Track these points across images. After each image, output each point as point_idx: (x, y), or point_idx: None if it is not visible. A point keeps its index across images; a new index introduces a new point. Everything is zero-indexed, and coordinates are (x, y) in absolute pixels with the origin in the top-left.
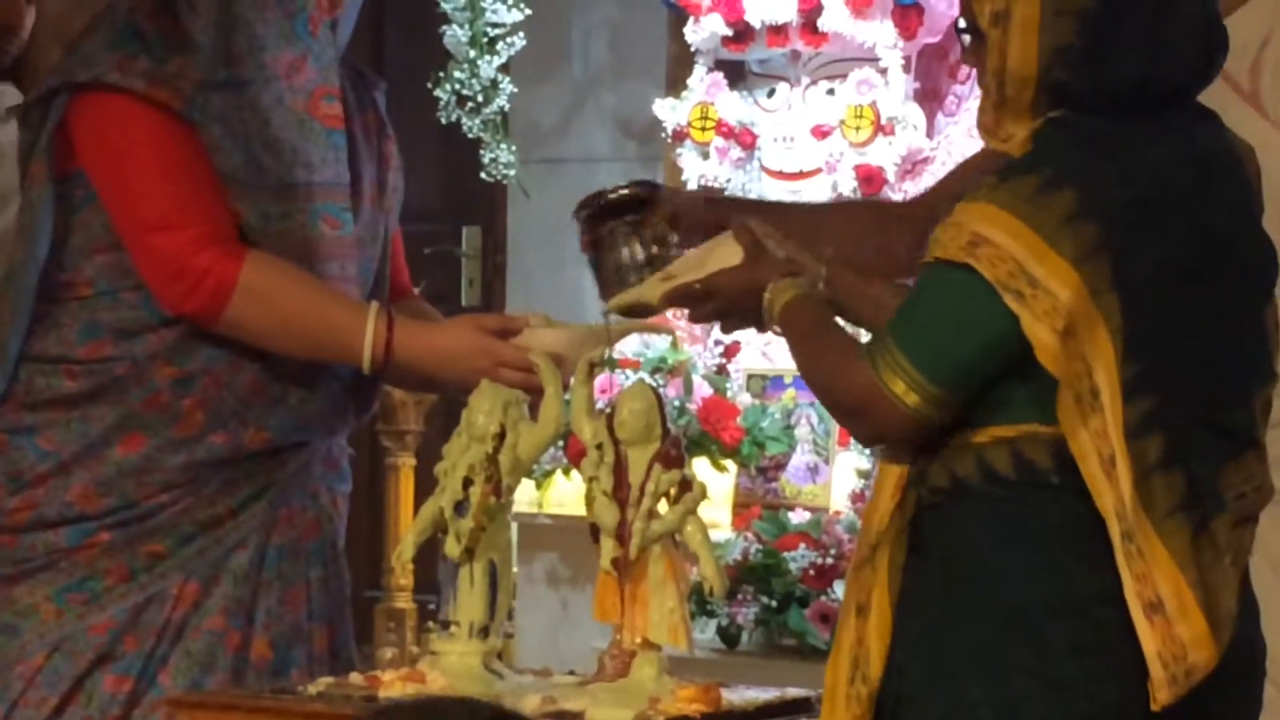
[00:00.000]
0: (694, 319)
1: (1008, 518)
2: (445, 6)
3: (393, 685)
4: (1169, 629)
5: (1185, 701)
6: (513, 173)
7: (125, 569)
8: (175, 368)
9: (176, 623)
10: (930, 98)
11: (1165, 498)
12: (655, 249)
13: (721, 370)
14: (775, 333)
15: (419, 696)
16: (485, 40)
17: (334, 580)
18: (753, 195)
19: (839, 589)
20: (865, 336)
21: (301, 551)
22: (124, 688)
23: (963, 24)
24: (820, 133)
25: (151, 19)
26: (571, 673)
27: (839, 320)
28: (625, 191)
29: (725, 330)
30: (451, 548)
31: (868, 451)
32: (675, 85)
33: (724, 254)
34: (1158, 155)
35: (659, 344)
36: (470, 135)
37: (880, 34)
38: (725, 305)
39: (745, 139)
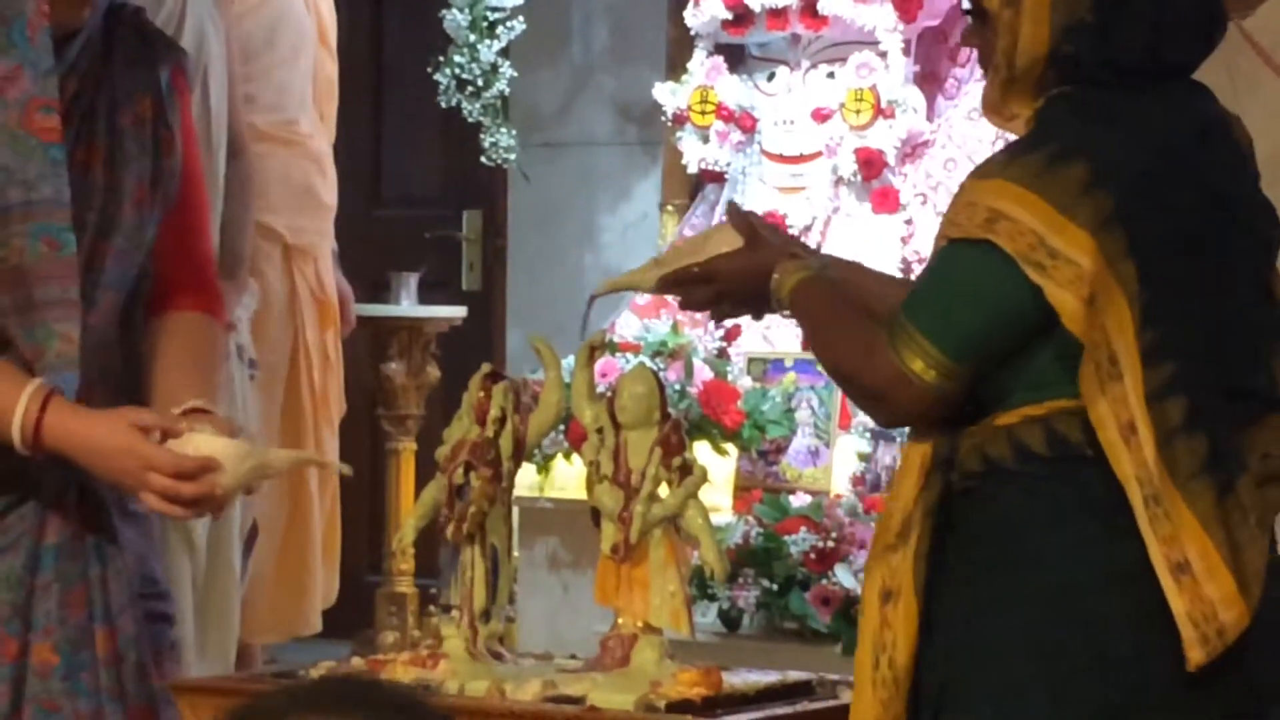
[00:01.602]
0: (686, 305)
1: (1046, 496)
2: None
3: (395, 668)
4: (1197, 589)
5: (1229, 666)
6: (513, 157)
7: None
8: None
9: None
10: (930, 81)
11: (1189, 461)
12: None
13: (722, 354)
14: (783, 315)
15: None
16: (485, 24)
17: (117, 577)
18: (753, 180)
19: (840, 572)
20: None
21: (80, 549)
22: None
23: (967, 5)
24: (820, 116)
25: None
26: (573, 657)
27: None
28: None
29: (715, 319)
30: (452, 532)
31: (868, 435)
32: (675, 69)
33: (721, 240)
34: (1163, 125)
35: (659, 328)
36: (470, 119)
37: (880, 17)
38: (724, 288)
39: (745, 123)
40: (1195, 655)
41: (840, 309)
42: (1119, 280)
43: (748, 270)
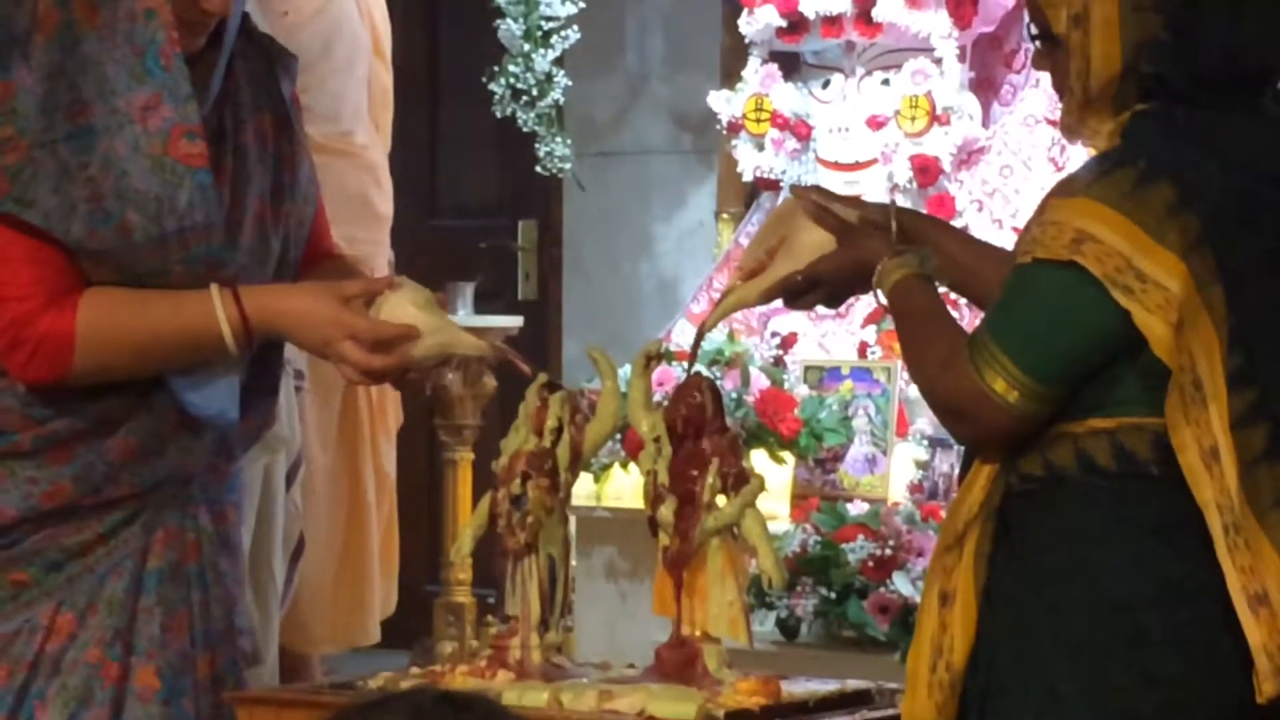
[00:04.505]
0: (793, 307)
1: (1106, 509)
2: (499, 1)
3: (454, 678)
4: (1275, 621)
5: None
6: (568, 166)
7: None
8: (35, 423)
9: (52, 655)
10: (985, 87)
11: (1270, 490)
12: None
13: (778, 362)
14: (884, 308)
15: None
16: (540, 34)
17: (216, 605)
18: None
19: (898, 580)
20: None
21: (182, 575)
22: None
23: (1034, 30)
24: (875, 123)
25: None
26: (631, 666)
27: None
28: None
29: (829, 306)
30: (510, 543)
31: (926, 443)
32: (730, 77)
33: (807, 236)
34: (1250, 144)
35: (715, 337)
36: (525, 129)
37: (935, 24)
38: (834, 289)
39: (800, 130)
40: (1268, 688)
41: (931, 318)
42: (1207, 305)
43: (851, 268)
